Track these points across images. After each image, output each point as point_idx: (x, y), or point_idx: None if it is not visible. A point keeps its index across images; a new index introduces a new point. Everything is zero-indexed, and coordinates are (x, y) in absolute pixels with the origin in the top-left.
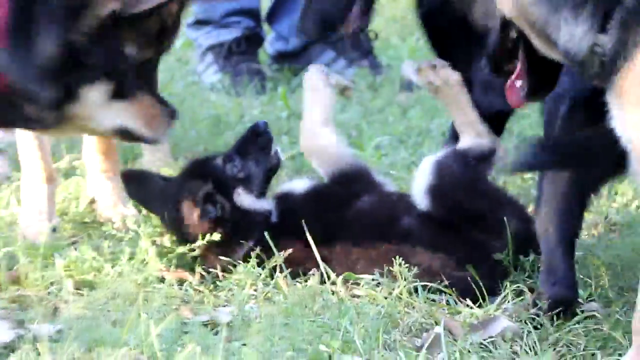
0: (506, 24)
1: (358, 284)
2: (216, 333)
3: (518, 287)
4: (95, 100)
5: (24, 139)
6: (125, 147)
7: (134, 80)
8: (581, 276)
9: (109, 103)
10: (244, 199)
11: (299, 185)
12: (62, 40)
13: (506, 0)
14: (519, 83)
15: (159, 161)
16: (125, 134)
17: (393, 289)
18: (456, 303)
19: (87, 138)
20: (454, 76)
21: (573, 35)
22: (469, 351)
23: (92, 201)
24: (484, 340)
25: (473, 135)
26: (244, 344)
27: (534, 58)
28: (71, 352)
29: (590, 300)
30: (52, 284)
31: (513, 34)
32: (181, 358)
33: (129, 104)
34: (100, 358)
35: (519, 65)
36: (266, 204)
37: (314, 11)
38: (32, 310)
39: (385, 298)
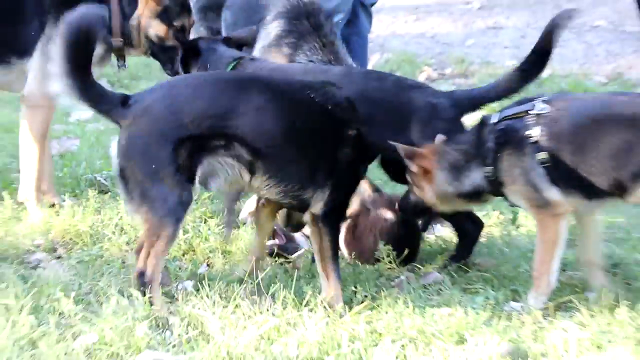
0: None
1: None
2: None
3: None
4: None
5: None
6: None
7: None
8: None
9: None
10: None
11: None
12: None
13: (429, 195)
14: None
15: None
16: None
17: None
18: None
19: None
20: None
21: (474, 180)
22: (417, 288)
23: None
24: (425, 283)
25: None
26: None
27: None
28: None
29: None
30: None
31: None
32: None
33: None
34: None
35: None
36: None
37: None
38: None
39: (379, 261)
